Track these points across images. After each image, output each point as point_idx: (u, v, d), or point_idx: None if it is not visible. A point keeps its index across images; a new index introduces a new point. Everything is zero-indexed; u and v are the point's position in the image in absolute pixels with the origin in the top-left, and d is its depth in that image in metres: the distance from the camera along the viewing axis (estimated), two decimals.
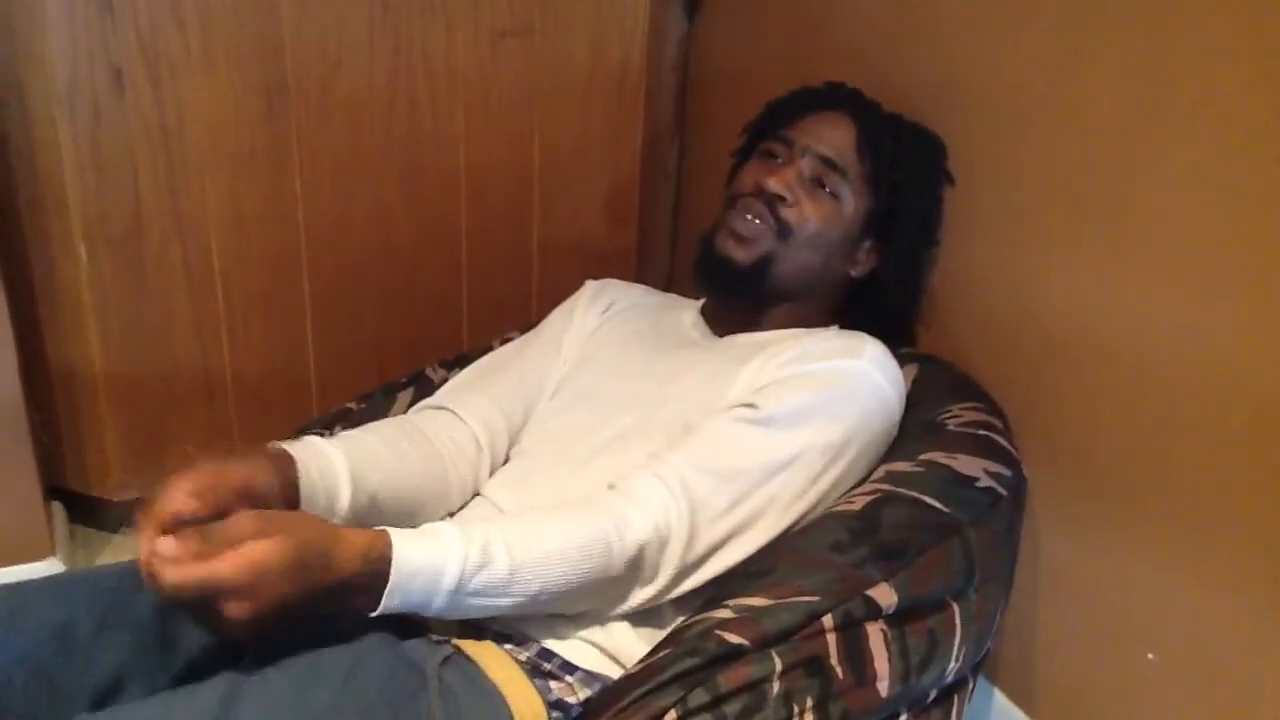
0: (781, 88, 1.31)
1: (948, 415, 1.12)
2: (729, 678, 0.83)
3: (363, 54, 1.53)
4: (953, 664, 0.94)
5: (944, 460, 1.04)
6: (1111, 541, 1.07)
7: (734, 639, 0.85)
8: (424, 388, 1.34)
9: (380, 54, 1.54)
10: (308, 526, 0.80)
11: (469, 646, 0.90)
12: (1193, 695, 1.01)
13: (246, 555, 0.73)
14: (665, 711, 0.81)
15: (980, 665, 1.05)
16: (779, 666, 0.84)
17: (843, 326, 1.21)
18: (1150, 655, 1.04)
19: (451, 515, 1.10)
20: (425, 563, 0.82)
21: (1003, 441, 1.09)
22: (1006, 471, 1.05)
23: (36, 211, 1.44)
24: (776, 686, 0.84)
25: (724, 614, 0.89)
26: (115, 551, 1.65)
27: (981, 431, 1.10)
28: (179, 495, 0.79)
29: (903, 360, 1.14)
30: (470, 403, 1.16)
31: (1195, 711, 1.01)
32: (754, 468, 0.97)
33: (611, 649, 0.94)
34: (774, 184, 1.13)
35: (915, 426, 1.10)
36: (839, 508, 0.99)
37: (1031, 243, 1.15)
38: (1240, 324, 0.92)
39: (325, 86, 1.53)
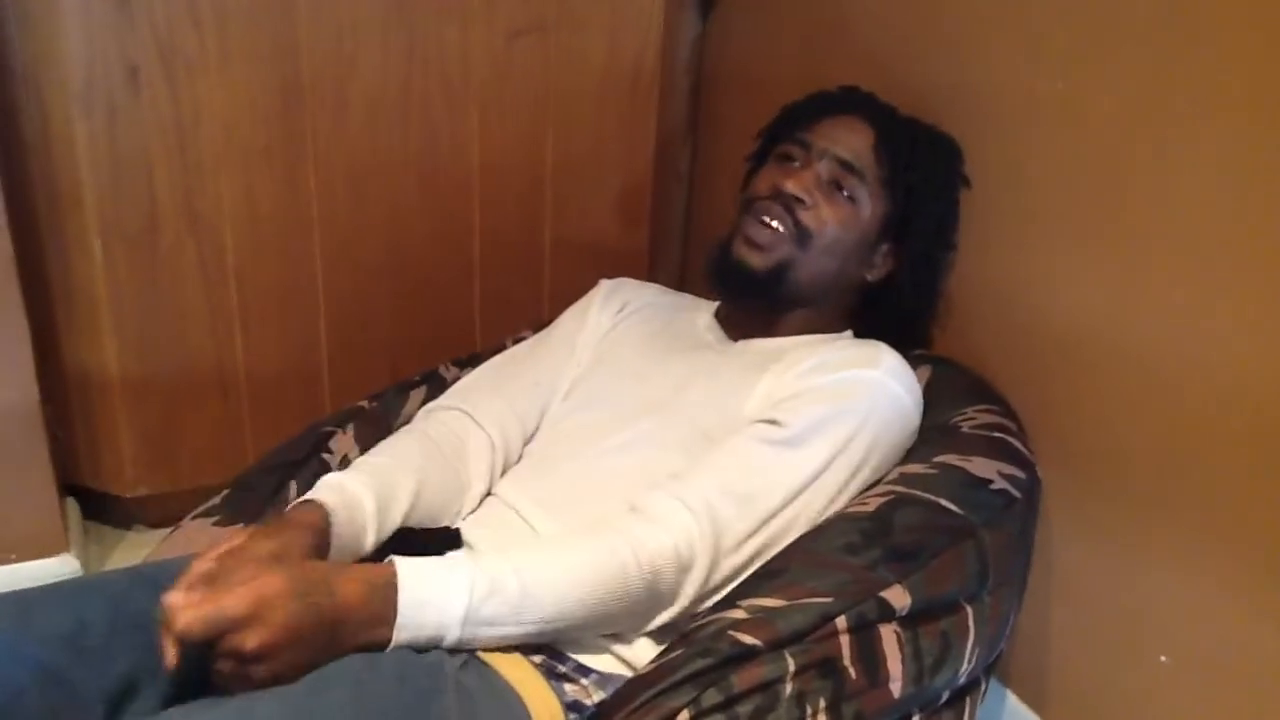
0: (795, 90, 1.31)
1: (962, 418, 1.12)
2: (742, 678, 0.83)
3: (377, 53, 1.53)
4: (965, 666, 0.94)
5: (958, 462, 1.04)
6: (1125, 544, 1.07)
7: (747, 640, 0.85)
8: (437, 386, 1.34)
9: (395, 53, 1.55)
10: (311, 562, 0.84)
11: (484, 651, 0.89)
12: (1205, 698, 1.00)
13: (250, 585, 0.76)
14: (678, 712, 0.82)
15: (993, 667, 1.05)
16: (792, 667, 0.85)
17: (858, 331, 1.21)
18: (1163, 658, 1.04)
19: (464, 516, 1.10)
20: (433, 591, 0.82)
21: (1017, 444, 1.09)
22: (1021, 474, 1.05)
23: (52, 209, 1.45)
24: (790, 687, 0.84)
25: (737, 614, 0.89)
26: (129, 548, 1.65)
27: (996, 434, 1.10)
28: (207, 559, 0.81)
29: (917, 362, 1.14)
30: (484, 404, 1.16)
31: (1208, 714, 1.00)
32: (776, 489, 0.97)
33: (629, 657, 0.94)
34: (792, 186, 1.13)
35: (929, 429, 1.10)
36: (852, 509, 0.99)
37: (1045, 245, 1.14)
38: (1258, 327, 0.91)
39: (340, 85, 1.53)
